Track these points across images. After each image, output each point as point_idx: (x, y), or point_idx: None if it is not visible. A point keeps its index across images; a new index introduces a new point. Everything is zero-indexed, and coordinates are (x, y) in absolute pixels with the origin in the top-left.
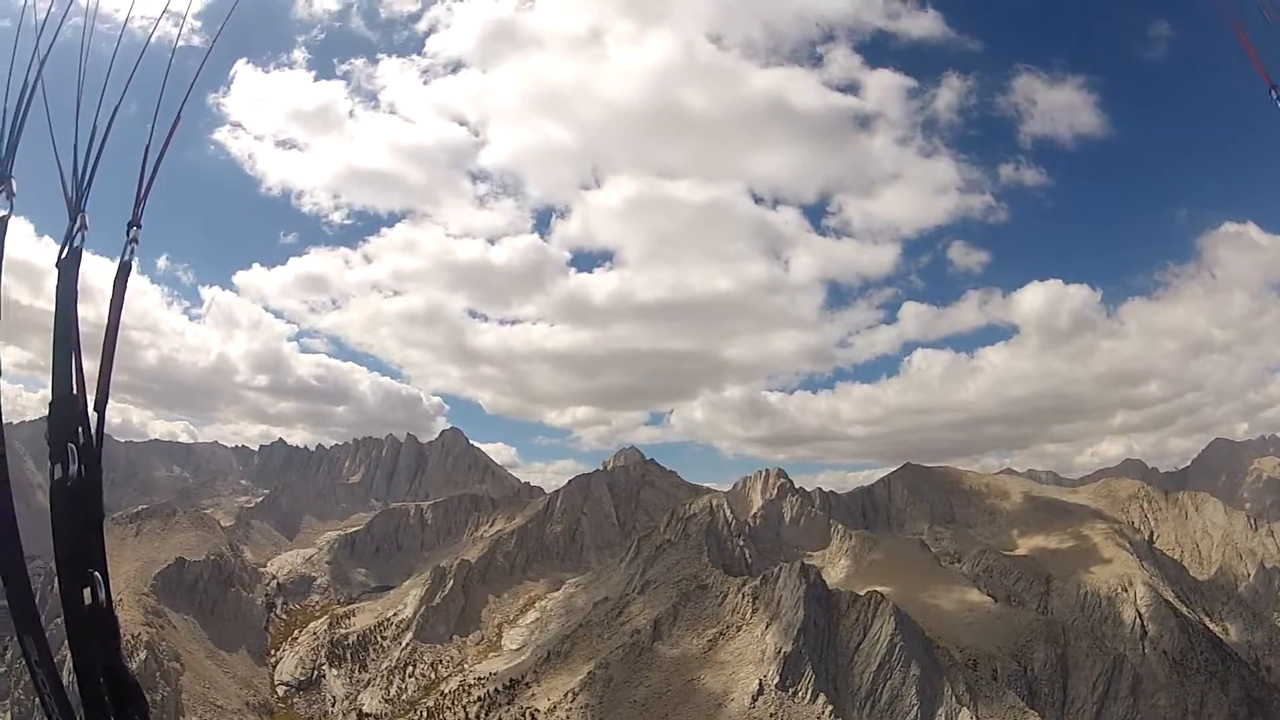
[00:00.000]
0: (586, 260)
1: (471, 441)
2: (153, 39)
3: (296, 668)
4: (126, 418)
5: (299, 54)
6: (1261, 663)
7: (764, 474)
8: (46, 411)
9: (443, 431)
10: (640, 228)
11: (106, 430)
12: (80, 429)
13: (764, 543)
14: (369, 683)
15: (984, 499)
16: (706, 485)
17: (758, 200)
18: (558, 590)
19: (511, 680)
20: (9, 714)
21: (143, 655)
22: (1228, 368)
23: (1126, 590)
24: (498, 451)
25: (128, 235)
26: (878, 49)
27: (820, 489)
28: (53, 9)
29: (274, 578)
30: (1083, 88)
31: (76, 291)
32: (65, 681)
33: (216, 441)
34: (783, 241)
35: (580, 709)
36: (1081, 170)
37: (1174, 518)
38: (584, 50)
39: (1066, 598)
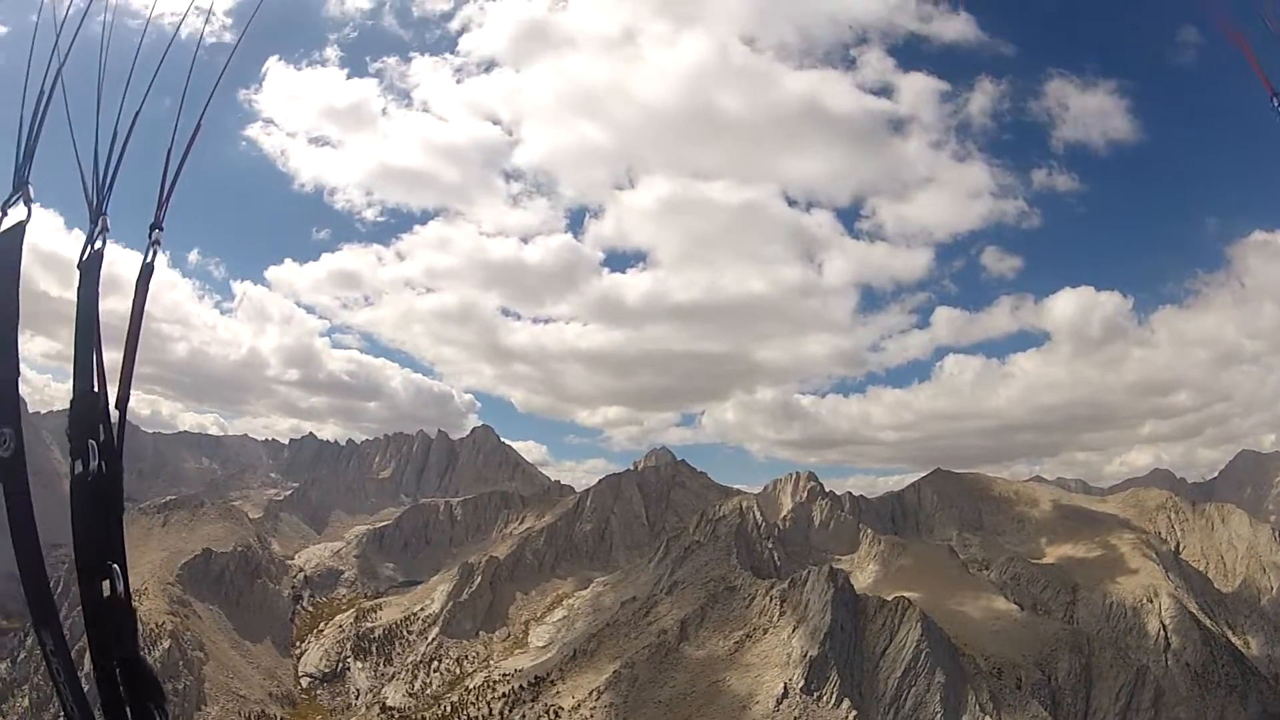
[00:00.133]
0: (620, 260)
1: (502, 439)
2: (181, 35)
3: (321, 660)
4: (156, 409)
5: (331, 52)
6: None
7: (794, 477)
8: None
9: (474, 428)
10: (674, 229)
11: (134, 421)
12: (101, 426)
13: (793, 545)
14: (393, 676)
15: (1013, 506)
16: (737, 487)
17: (791, 203)
18: (585, 589)
19: (536, 677)
20: (27, 699)
21: (166, 644)
22: (1257, 378)
23: (1151, 601)
24: (529, 449)
25: (150, 238)
26: (911, 52)
27: (850, 493)
28: (71, 9)
29: (301, 570)
30: (1114, 93)
31: (98, 293)
32: (83, 672)
33: (246, 434)
34: (816, 244)
35: (605, 708)
36: (1113, 176)
37: (1200, 529)
38: (617, 50)
39: (1092, 607)
